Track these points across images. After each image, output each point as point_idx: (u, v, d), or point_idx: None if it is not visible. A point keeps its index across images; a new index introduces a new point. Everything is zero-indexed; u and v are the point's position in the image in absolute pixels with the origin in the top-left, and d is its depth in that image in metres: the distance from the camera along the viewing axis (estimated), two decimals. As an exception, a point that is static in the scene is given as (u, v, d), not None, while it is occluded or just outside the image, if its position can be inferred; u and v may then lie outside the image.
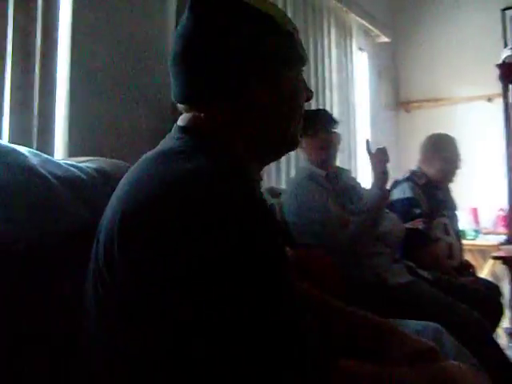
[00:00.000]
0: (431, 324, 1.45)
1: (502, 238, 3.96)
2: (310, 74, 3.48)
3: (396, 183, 2.93)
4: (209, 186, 0.79)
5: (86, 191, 1.26)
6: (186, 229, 0.76)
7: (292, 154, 3.04)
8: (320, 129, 2.38)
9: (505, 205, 4.09)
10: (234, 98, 0.96)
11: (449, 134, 3.06)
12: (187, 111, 1.01)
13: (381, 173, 2.25)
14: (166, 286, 0.76)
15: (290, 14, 3.25)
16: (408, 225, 2.66)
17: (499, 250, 3.54)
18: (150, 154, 0.95)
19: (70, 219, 1.18)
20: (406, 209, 2.76)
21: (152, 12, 2.31)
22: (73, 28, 1.94)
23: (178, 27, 1.02)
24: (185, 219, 0.76)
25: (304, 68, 1.08)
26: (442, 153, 2.94)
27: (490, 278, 3.66)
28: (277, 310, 0.76)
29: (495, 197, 4.23)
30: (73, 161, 1.38)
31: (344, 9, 3.93)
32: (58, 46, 1.81)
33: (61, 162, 1.31)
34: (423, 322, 1.47)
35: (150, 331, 0.79)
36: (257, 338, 0.74)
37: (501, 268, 3.76)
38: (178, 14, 2.32)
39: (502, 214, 4.24)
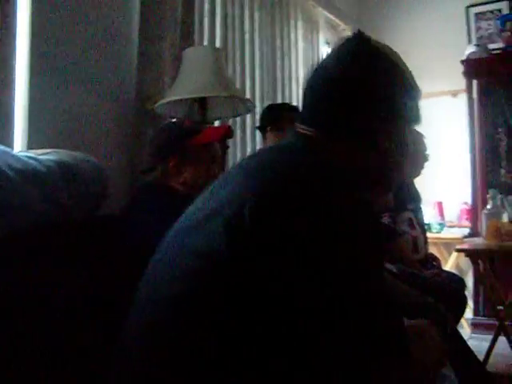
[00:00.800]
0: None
1: (466, 230, 4.04)
2: (276, 68, 3.47)
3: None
4: (342, 182, 0.92)
5: (46, 185, 1.22)
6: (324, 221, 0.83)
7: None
8: (285, 122, 2.37)
9: (468, 198, 4.17)
10: (358, 138, 1.04)
11: (415, 129, 3.07)
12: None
13: None
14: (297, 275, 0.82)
15: (257, 8, 3.26)
16: (374, 219, 2.67)
17: (463, 242, 3.60)
18: (266, 147, 1.03)
19: (34, 216, 1.15)
20: (372, 203, 2.77)
21: (116, 1, 2.26)
22: (32, 16, 1.88)
23: (324, 57, 1.19)
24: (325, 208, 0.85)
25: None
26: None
27: (454, 271, 3.72)
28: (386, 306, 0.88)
29: (459, 191, 4.29)
30: (32, 153, 1.33)
31: (311, 2, 3.93)
32: (17, 34, 1.75)
33: (20, 154, 1.27)
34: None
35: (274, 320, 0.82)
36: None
37: (464, 260, 3.82)
38: (142, 3, 2.28)
39: (465, 207, 4.30)
